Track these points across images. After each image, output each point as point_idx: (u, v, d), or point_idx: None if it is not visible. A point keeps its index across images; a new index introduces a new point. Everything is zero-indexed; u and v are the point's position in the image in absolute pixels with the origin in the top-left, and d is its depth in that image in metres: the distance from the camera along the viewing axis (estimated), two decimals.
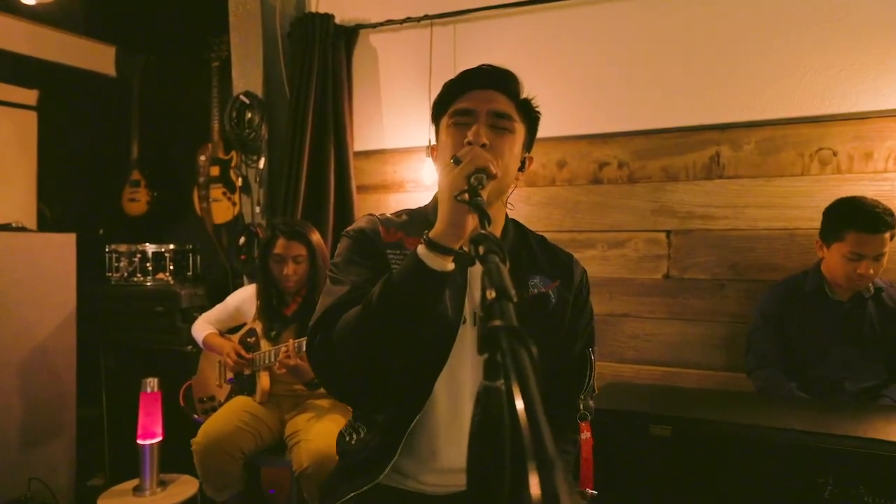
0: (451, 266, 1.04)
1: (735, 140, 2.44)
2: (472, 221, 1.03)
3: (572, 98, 2.69)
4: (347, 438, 1.28)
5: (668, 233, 2.55)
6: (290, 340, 2.13)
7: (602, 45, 2.64)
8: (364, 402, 1.24)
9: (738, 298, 2.44)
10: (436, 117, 1.28)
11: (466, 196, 0.96)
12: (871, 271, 1.93)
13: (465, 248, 1.09)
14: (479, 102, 1.18)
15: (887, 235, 1.91)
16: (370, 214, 1.29)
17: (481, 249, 0.75)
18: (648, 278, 2.59)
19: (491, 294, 0.62)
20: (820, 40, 2.31)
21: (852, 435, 1.41)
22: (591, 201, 2.67)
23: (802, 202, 2.34)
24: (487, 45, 2.82)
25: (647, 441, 1.51)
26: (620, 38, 2.61)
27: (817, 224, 2.26)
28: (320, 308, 1.15)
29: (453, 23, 2.88)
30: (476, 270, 1.21)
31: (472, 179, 0.98)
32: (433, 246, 1.02)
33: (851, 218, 1.95)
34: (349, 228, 1.27)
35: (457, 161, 1.04)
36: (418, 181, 2.98)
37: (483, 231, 0.81)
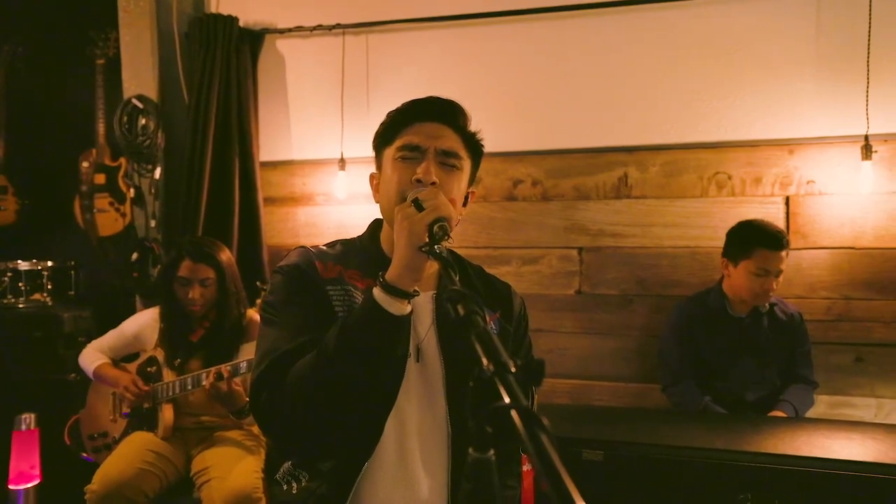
0: (408, 309, 1.03)
1: (642, 162, 2.57)
2: (428, 264, 1.01)
3: (486, 115, 2.61)
4: (286, 487, 1.19)
5: (580, 250, 2.64)
6: (224, 365, 1.94)
7: (516, 64, 2.68)
8: (313, 453, 1.16)
9: (646, 313, 2.57)
10: (379, 147, 1.23)
11: (427, 247, 0.96)
12: (774, 286, 2.10)
13: (418, 290, 1.06)
14: (428, 139, 1.15)
15: (784, 253, 2.09)
16: (302, 247, 1.23)
17: (461, 309, 0.73)
18: (561, 294, 2.66)
19: (489, 367, 0.61)
20: (717, 71, 2.48)
21: (766, 452, 1.52)
22: (505, 218, 2.71)
23: (702, 222, 2.51)
24: (401, 57, 2.77)
25: (580, 466, 1.54)
26: (534, 58, 2.66)
27: (716, 243, 2.43)
28: (261, 358, 1.08)
29: (366, 33, 2.81)
30: (419, 302, 1.17)
31: (436, 228, 0.96)
32: (390, 290, 1.00)
33: (759, 237, 2.11)
34: (282, 264, 1.20)
35: (417, 204, 1.00)
36: (329, 194, 2.87)
37: (457, 287, 0.78)
